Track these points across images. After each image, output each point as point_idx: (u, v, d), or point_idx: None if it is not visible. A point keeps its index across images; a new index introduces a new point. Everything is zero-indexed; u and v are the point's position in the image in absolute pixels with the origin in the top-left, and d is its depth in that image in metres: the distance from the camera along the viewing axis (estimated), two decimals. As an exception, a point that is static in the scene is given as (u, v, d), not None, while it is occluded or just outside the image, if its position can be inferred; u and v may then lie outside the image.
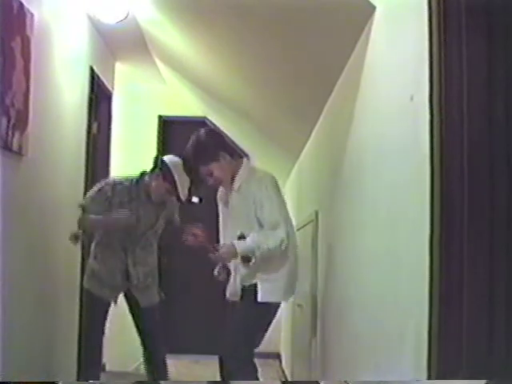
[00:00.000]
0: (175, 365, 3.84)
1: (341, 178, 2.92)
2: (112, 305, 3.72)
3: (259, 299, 2.94)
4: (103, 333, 3.73)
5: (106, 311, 3.69)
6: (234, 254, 2.94)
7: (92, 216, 3.57)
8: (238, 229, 3.02)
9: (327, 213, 3.37)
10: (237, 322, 3.00)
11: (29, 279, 3.10)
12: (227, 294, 3.13)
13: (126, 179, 3.68)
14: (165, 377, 3.69)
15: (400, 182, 1.89)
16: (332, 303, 3.13)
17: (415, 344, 1.65)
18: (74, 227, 4.05)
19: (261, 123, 4.99)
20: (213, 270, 3.19)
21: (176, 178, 3.46)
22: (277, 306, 3.04)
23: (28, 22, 2.93)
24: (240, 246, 2.93)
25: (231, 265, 3.08)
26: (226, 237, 3.11)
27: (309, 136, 4.18)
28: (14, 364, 2.87)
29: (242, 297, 3.01)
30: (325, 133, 3.63)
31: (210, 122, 6.07)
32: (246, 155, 3.23)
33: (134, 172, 3.75)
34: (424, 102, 1.62)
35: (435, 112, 1.58)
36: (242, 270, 2.99)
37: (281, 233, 2.92)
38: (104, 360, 4.93)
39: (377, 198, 2.19)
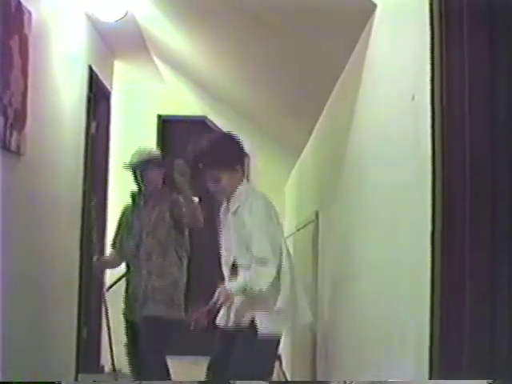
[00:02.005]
0: (173, 366, 3.83)
1: (341, 178, 2.91)
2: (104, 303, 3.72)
3: (260, 333, 2.79)
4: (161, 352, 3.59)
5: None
6: (231, 296, 2.80)
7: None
8: (230, 253, 2.91)
9: (327, 213, 3.37)
10: (242, 359, 2.85)
11: (28, 279, 3.09)
12: (221, 324, 2.95)
13: (131, 200, 3.78)
14: (166, 377, 3.64)
15: (401, 181, 1.89)
16: (332, 303, 3.13)
17: (416, 344, 1.64)
18: (73, 227, 4.05)
19: (261, 123, 4.99)
20: (213, 271, 3.16)
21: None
22: (279, 336, 2.94)
23: (26, 21, 2.92)
24: (233, 287, 2.81)
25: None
26: (223, 258, 2.99)
27: (309, 136, 4.18)
28: (14, 364, 2.86)
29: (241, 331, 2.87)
30: (325, 132, 3.62)
31: (210, 121, 6.07)
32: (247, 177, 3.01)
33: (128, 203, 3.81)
34: (425, 101, 1.61)
35: (437, 112, 1.57)
36: (236, 303, 2.85)
37: (271, 270, 2.78)
38: (103, 361, 4.94)
39: (377, 198, 2.18)
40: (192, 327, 2.86)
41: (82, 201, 4.22)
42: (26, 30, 2.91)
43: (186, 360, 5.19)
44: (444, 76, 1.57)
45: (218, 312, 2.91)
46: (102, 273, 4.23)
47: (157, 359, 3.55)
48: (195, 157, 2.94)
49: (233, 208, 2.90)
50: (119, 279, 3.82)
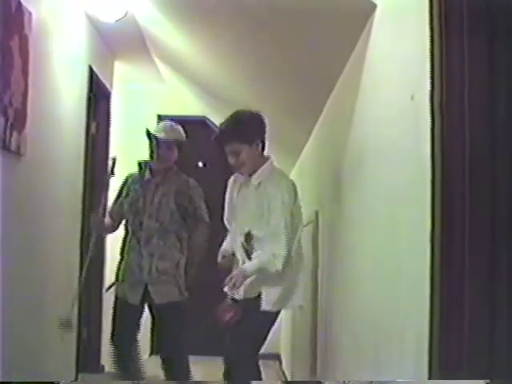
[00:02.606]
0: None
1: (341, 178, 2.91)
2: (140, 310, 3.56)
3: (263, 308, 2.92)
4: (134, 340, 3.59)
5: (134, 316, 3.55)
6: (246, 277, 2.91)
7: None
8: (246, 224, 2.98)
9: (327, 213, 3.37)
10: (241, 327, 2.97)
11: (28, 279, 3.10)
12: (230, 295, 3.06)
13: (138, 167, 3.70)
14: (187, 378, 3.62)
15: (400, 182, 1.89)
16: (332, 303, 3.13)
17: (416, 344, 1.64)
18: (73, 227, 4.05)
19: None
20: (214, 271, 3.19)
21: (163, 139, 3.53)
22: (278, 313, 3.04)
23: (26, 21, 2.92)
24: (249, 268, 2.91)
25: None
26: (232, 228, 3.09)
27: (309, 136, 4.18)
28: (14, 364, 2.86)
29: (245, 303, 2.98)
30: (325, 133, 3.62)
31: (210, 121, 6.06)
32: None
33: (132, 170, 3.77)
34: (425, 101, 1.61)
35: (436, 112, 1.58)
36: (246, 283, 2.95)
37: (284, 248, 2.87)
38: (103, 361, 4.94)
39: (377, 198, 2.19)
40: (218, 324, 2.96)
41: (82, 201, 4.22)
42: (26, 31, 2.91)
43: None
44: (443, 76, 1.57)
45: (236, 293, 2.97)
46: (100, 237, 4.04)
47: (180, 350, 3.61)
48: (220, 132, 3.02)
49: (255, 182, 2.98)
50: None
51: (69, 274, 3.97)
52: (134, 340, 3.61)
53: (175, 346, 3.58)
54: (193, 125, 6.11)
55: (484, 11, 1.56)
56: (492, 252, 1.52)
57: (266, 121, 3.01)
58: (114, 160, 3.73)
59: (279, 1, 2.64)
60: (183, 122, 6.08)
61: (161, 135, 3.60)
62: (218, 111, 5.88)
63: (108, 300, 4.68)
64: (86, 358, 4.44)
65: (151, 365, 3.92)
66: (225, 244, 3.18)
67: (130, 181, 3.69)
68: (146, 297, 3.53)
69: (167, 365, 3.63)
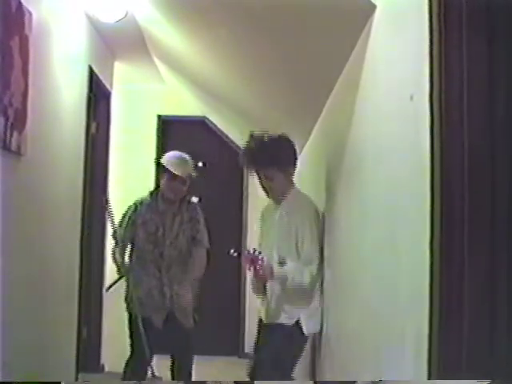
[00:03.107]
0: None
1: (341, 178, 2.91)
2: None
3: (306, 332, 3.07)
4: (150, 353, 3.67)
5: (157, 338, 3.66)
6: (271, 276, 3.00)
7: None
8: (275, 250, 3.07)
9: (327, 213, 3.37)
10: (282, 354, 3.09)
11: (28, 279, 3.10)
12: (263, 318, 3.20)
13: (148, 196, 3.76)
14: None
15: (400, 181, 1.89)
16: (332, 303, 3.13)
17: (415, 344, 1.64)
18: (73, 227, 4.05)
19: (261, 123, 4.98)
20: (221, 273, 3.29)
21: (174, 172, 3.56)
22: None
23: (26, 21, 2.92)
24: (278, 270, 3.00)
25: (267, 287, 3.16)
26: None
27: (309, 136, 4.18)
28: (14, 364, 2.86)
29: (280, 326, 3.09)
30: (325, 132, 3.63)
31: (210, 121, 6.07)
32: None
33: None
34: (424, 101, 1.61)
35: (435, 111, 1.58)
36: (277, 292, 3.08)
37: (314, 270, 3.00)
38: (103, 361, 4.94)
39: (377, 197, 2.19)
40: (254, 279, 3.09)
41: (82, 201, 4.22)
42: (26, 31, 2.91)
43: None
44: (443, 76, 1.57)
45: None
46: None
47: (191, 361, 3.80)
48: (255, 153, 3.04)
49: (284, 209, 3.07)
50: (119, 279, 3.81)
51: (69, 274, 3.97)
52: (151, 359, 3.70)
53: (186, 346, 3.74)
54: (193, 125, 6.13)
55: (484, 11, 1.56)
56: (492, 252, 1.52)
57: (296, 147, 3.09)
58: (107, 200, 3.78)
59: (279, 1, 2.64)
60: (183, 121, 6.16)
61: (175, 170, 3.64)
62: (218, 111, 5.88)
63: (108, 300, 4.69)
64: (86, 358, 4.45)
65: (152, 365, 3.91)
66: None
67: (140, 208, 3.72)
68: (168, 321, 3.67)
69: (177, 365, 3.76)
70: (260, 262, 2.95)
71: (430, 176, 1.58)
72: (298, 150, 3.11)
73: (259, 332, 3.28)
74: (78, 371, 4.08)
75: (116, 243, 3.75)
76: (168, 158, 3.74)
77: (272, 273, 2.99)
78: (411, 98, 1.75)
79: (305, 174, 4.60)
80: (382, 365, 2.00)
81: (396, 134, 1.95)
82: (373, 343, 2.15)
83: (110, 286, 3.95)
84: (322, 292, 3.14)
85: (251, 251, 3.02)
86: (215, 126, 6.07)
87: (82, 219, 4.20)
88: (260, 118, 4.88)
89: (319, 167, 3.79)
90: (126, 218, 3.74)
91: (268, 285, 3.14)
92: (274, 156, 2.99)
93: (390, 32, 2.08)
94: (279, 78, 3.64)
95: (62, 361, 3.87)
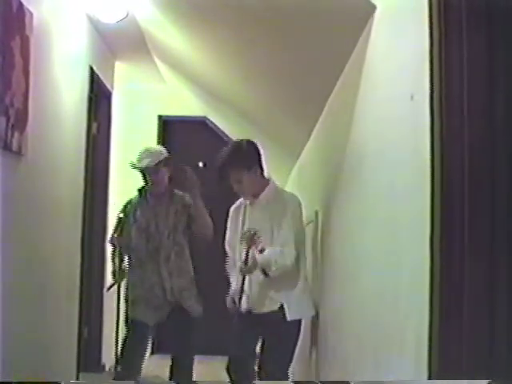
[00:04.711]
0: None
1: (341, 178, 2.91)
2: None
3: (288, 318, 3.11)
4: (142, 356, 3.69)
5: (146, 336, 3.68)
6: (256, 265, 3.12)
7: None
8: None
9: (327, 213, 3.37)
10: (272, 341, 3.18)
11: (28, 279, 3.10)
12: (245, 306, 3.24)
13: (138, 195, 3.77)
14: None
15: (400, 181, 1.89)
16: (332, 303, 3.13)
17: (415, 344, 1.65)
18: (74, 227, 4.04)
19: (261, 123, 4.99)
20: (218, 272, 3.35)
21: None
22: (300, 322, 3.24)
23: (27, 22, 2.92)
24: (259, 257, 3.11)
25: (246, 278, 3.23)
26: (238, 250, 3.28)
27: (309, 136, 4.18)
28: (14, 364, 2.86)
29: (268, 314, 3.15)
30: (325, 133, 3.63)
31: (210, 121, 6.06)
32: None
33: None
34: (424, 101, 1.62)
35: (435, 111, 1.58)
36: (260, 279, 3.15)
37: (291, 251, 3.12)
38: (103, 360, 4.94)
39: (377, 198, 2.19)
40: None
41: (83, 201, 4.22)
42: (27, 31, 2.91)
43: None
44: (443, 76, 1.57)
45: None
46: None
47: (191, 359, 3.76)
48: (222, 164, 3.25)
49: (263, 202, 3.24)
50: (113, 284, 3.82)
51: (70, 274, 3.98)
52: (143, 359, 3.71)
53: (186, 346, 3.70)
54: (193, 125, 6.13)
55: (483, 11, 1.57)
56: (492, 252, 1.52)
57: (260, 147, 3.26)
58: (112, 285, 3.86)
59: (279, 1, 2.64)
60: (183, 121, 6.15)
61: (140, 165, 3.67)
62: (218, 111, 5.88)
63: (108, 300, 4.69)
64: (87, 358, 4.44)
65: (152, 365, 3.93)
66: (233, 286, 3.38)
67: (129, 208, 3.74)
68: (172, 318, 3.64)
69: (176, 365, 3.72)
70: (259, 244, 3.09)
71: (430, 176, 1.58)
72: (260, 149, 3.26)
73: (240, 319, 3.27)
74: (78, 371, 4.08)
75: (114, 249, 3.77)
76: (139, 159, 3.75)
77: (256, 263, 3.10)
78: (412, 97, 1.75)
79: (305, 174, 4.60)
80: (382, 365, 2.00)
81: (396, 134, 1.95)
82: (373, 343, 2.15)
83: (111, 286, 3.95)
84: (306, 278, 3.24)
85: (251, 231, 3.14)
86: (216, 126, 6.07)
87: (83, 219, 4.20)
88: (260, 118, 4.88)
89: (319, 167, 3.80)
90: (118, 222, 3.78)
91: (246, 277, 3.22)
92: (236, 159, 3.18)
93: (390, 32, 2.08)
94: (279, 77, 3.65)
95: (63, 360, 3.86)
